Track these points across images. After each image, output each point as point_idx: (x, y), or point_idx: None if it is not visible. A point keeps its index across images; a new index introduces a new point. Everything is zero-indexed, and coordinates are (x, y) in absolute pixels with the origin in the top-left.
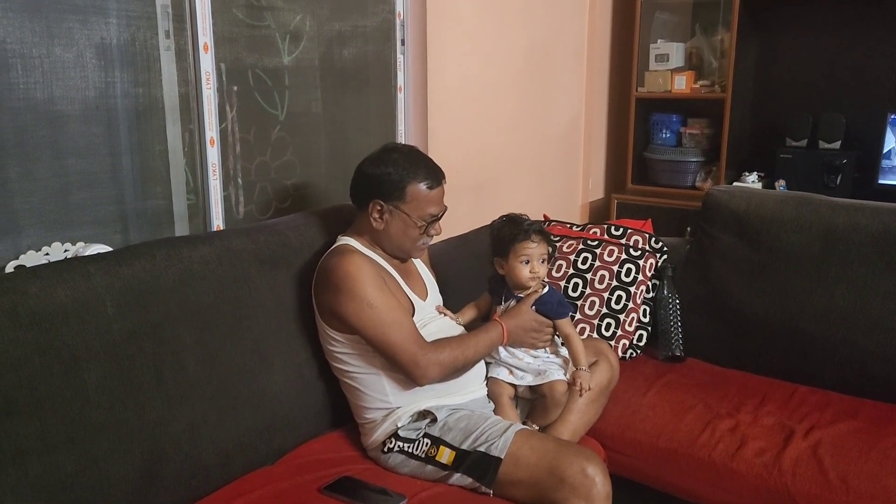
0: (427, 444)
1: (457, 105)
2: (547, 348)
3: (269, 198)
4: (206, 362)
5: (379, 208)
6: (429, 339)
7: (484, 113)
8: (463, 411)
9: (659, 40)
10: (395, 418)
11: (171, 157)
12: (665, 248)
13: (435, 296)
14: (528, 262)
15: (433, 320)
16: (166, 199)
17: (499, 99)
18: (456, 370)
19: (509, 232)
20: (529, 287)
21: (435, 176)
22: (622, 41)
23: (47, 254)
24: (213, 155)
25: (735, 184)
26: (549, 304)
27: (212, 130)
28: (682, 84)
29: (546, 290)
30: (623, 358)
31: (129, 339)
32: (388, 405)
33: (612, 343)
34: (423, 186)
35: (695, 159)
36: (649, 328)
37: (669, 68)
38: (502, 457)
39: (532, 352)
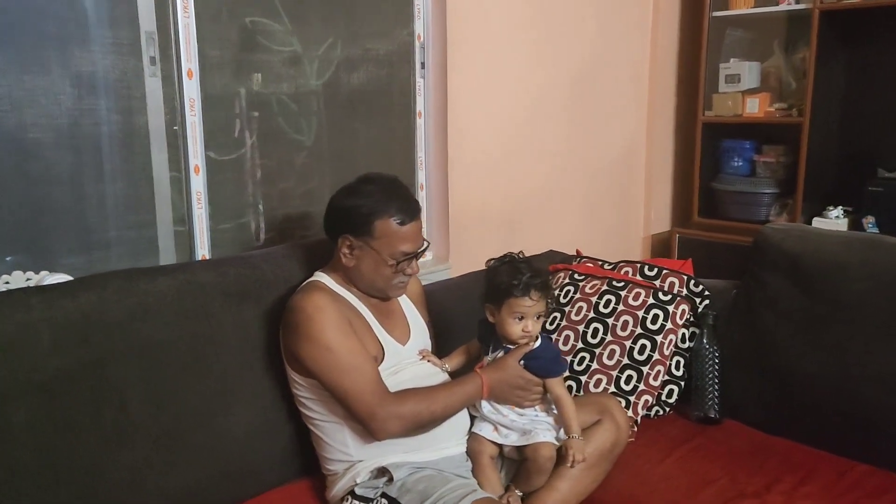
0: None
1: (483, 132)
2: (537, 406)
3: (293, 225)
4: (152, 402)
5: (349, 244)
6: (401, 386)
7: (518, 140)
8: (427, 471)
9: (732, 60)
10: (354, 473)
11: (156, 185)
12: (706, 293)
13: (420, 340)
14: (522, 318)
15: (411, 366)
16: (151, 228)
17: (537, 125)
18: (420, 425)
19: (506, 282)
20: (521, 343)
21: (408, 211)
22: (691, 61)
23: (7, 283)
24: (197, 183)
25: (816, 219)
26: (541, 360)
27: (196, 158)
28: (754, 107)
29: (538, 343)
30: (647, 416)
31: (64, 377)
32: (349, 458)
33: (632, 398)
34: (393, 222)
35: (769, 191)
36: (682, 383)
37: (740, 90)
38: None
39: (518, 409)
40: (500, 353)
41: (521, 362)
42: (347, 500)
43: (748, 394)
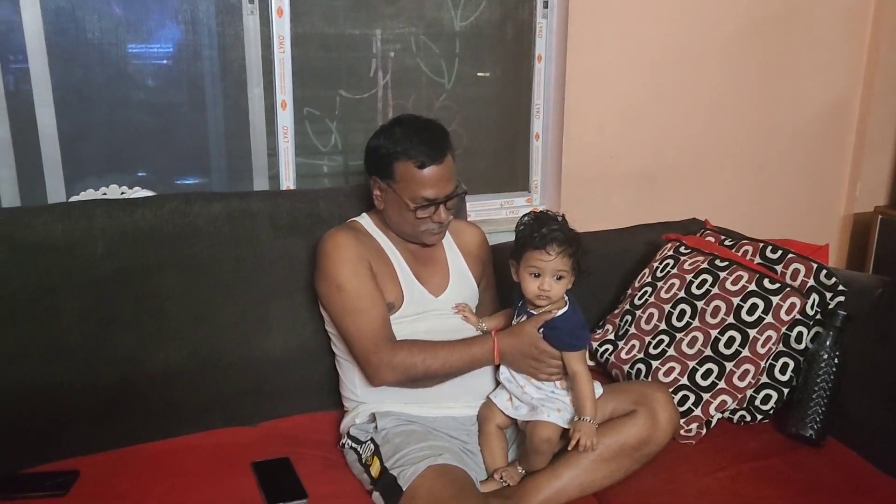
0: (371, 450)
1: (614, 78)
2: (557, 382)
3: None
4: (190, 313)
5: (378, 185)
6: (415, 336)
7: (662, 90)
8: (413, 426)
9: None
10: (355, 413)
11: (252, 117)
12: (840, 287)
13: (459, 293)
14: (538, 275)
15: (437, 318)
16: (246, 158)
17: (691, 74)
18: (413, 378)
19: (528, 234)
20: (540, 305)
21: (429, 154)
22: None
23: (105, 193)
24: (284, 118)
25: None
26: (560, 330)
27: (283, 94)
28: None
29: (563, 311)
30: (729, 419)
31: (113, 278)
32: (356, 398)
33: (707, 396)
34: (412, 165)
35: None
36: (786, 390)
37: None
38: (404, 489)
39: (536, 381)
40: (524, 318)
41: (541, 331)
42: (345, 437)
43: (869, 416)
